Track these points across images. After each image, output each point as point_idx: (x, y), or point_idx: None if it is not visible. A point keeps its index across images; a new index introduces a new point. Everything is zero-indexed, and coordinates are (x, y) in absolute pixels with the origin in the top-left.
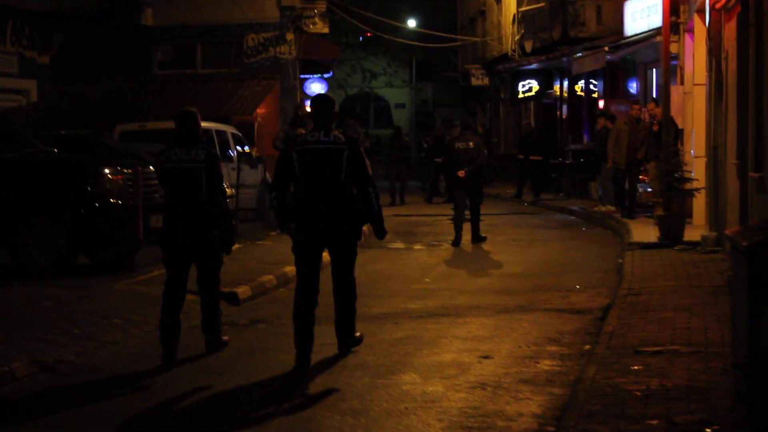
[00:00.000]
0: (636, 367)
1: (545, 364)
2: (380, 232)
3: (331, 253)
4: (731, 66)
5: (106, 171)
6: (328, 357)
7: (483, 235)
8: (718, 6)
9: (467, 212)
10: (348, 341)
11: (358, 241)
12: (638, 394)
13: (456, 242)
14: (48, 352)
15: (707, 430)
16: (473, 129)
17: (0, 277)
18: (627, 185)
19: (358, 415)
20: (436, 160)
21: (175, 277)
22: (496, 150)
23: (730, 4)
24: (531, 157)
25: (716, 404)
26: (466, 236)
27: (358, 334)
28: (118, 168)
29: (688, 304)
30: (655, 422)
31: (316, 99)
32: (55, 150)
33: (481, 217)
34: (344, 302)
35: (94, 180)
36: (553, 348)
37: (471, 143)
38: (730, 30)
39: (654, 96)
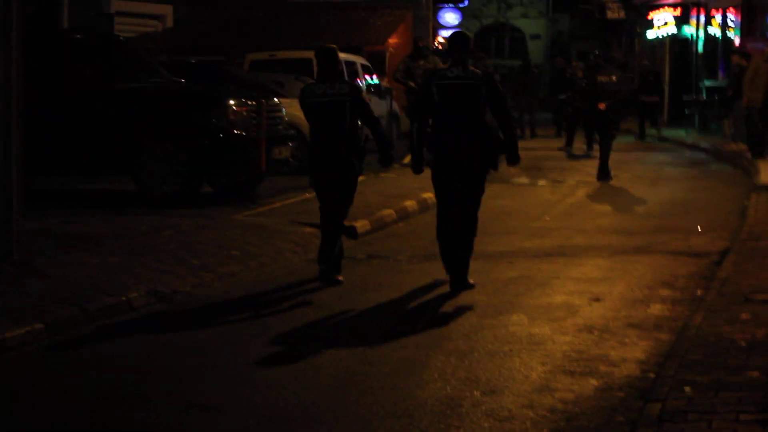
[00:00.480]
0: (744, 316)
1: (655, 309)
2: (513, 158)
3: (462, 184)
4: None
5: (231, 103)
6: (441, 294)
7: (611, 173)
8: None
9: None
10: (461, 282)
11: (494, 171)
12: (742, 344)
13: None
14: (166, 283)
15: None
16: (617, 62)
17: (125, 204)
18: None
19: (463, 356)
20: (560, 97)
21: (327, 203)
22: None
23: None
24: (647, 99)
25: None
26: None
27: (471, 281)
28: (243, 100)
29: None
30: (755, 374)
31: (454, 36)
32: (183, 80)
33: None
34: (465, 237)
35: (219, 111)
36: (666, 292)
37: (614, 77)
38: None
39: None
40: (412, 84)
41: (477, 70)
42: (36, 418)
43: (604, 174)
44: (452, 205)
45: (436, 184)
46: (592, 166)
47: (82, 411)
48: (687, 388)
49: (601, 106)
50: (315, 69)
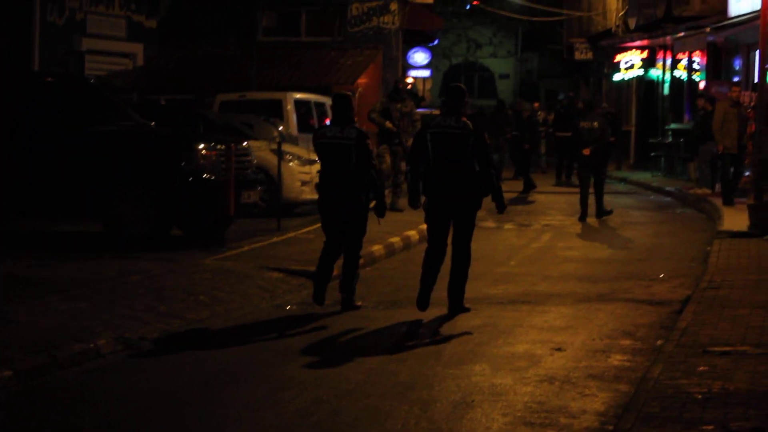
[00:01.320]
0: (702, 368)
1: (616, 359)
2: (500, 207)
3: (454, 223)
4: None
5: (200, 146)
6: (402, 339)
7: (608, 209)
8: None
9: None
10: (457, 305)
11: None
12: (699, 396)
13: (582, 218)
14: (133, 329)
15: None
16: (602, 110)
17: (94, 247)
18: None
19: (426, 406)
20: (507, 136)
21: (331, 238)
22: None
23: None
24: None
25: None
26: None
27: (467, 305)
28: (212, 144)
29: (767, 301)
30: (709, 428)
31: (451, 89)
32: (153, 122)
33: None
34: (460, 267)
35: (189, 155)
36: (627, 342)
37: (596, 123)
38: None
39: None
40: (389, 125)
41: (468, 122)
42: None
43: (601, 212)
44: (442, 242)
45: (429, 223)
46: (558, 210)
47: None
48: None
49: (586, 152)
50: (330, 113)
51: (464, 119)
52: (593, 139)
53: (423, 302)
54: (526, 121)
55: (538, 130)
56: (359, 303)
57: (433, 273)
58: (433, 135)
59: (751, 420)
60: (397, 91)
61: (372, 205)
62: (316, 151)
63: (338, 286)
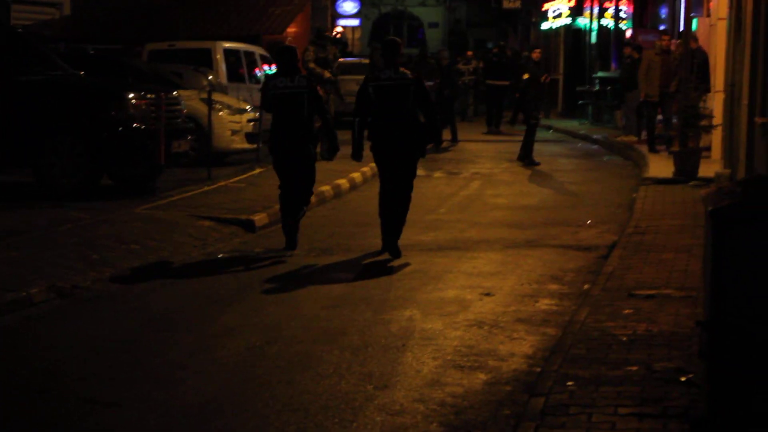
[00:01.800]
0: (627, 311)
1: (543, 303)
2: (438, 141)
3: (397, 169)
4: (748, 5)
5: (130, 96)
6: (336, 289)
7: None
8: None
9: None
10: (394, 248)
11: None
12: (624, 339)
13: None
14: (66, 277)
15: (682, 378)
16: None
17: (25, 198)
18: (660, 117)
19: (357, 351)
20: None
21: (285, 181)
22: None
23: None
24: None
25: (695, 352)
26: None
27: (401, 252)
28: (142, 93)
29: (690, 245)
30: (634, 368)
31: (387, 42)
32: (82, 73)
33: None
34: (400, 211)
35: (118, 104)
36: (554, 286)
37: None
38: None
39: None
40: (327, 74)
41: (407, 72)
42: None
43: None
44: (390, 182)
45: (378, 167)
46: (487, 158)
47: None
48: (570, 383)
49: (517, 95)
50: (276, 64)
51: (402, 69)
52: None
53: (386, 243)
54: (445, 69)
55: (455, 79)
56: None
57: (389, 216)
58: (375, 87)
59: (674, 360)
60: (321, 38)
61: (320, 148)
62: (266, 101)
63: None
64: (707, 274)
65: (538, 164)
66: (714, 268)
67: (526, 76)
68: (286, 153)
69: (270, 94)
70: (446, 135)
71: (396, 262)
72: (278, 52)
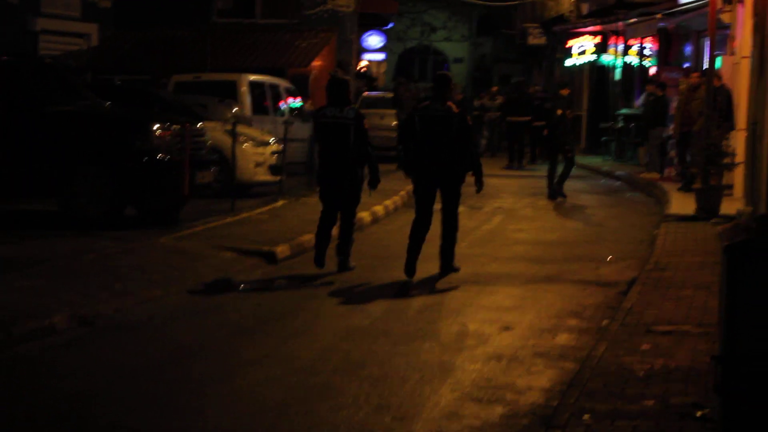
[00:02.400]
0: (645, 347)
1: (562, 338)
2: (479, 183)
3: (442, 195)
4: None
5: (155, 126)
6: (356, 322)
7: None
8: None
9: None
10: (448, 266)
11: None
12: (641, 374)
13: (552, 195)
14: (89, 306)
15: (698, 412)
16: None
17: (49, 227)
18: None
19: (376, 383)
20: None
21: (329, 208)
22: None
23: None
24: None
25: (711, 387)
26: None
27: (456, 265)
28: (167, 124)
29: (710, 282)
30: (650, 403)
31: (438, 77)
32: (108, 102)
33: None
34: (449, 233)
35: (144, 135)
36: (573, 322)
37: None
38: None
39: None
40: None
41: (453, 106)
42: None
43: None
44: (429, 214)
45: (417, 196)
46: (509, 193)
47: None
48: (586, 416)
49: (545, 132)
50: (327, 95)
51: (449, 103)
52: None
53: (410, 269)
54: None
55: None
56: (353, 264)
57: (419, 242)
58: (421, 117)
59: (690, 395)
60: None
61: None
62: (316, 130)
63: (335, 251)
64: (721, 308)
65: (564, 197)
66: (728, 303)
67: (559, 112)
68: (332, 179)
69: (318, 123)
70: None
71: (414, 298)
72: (329, 84)
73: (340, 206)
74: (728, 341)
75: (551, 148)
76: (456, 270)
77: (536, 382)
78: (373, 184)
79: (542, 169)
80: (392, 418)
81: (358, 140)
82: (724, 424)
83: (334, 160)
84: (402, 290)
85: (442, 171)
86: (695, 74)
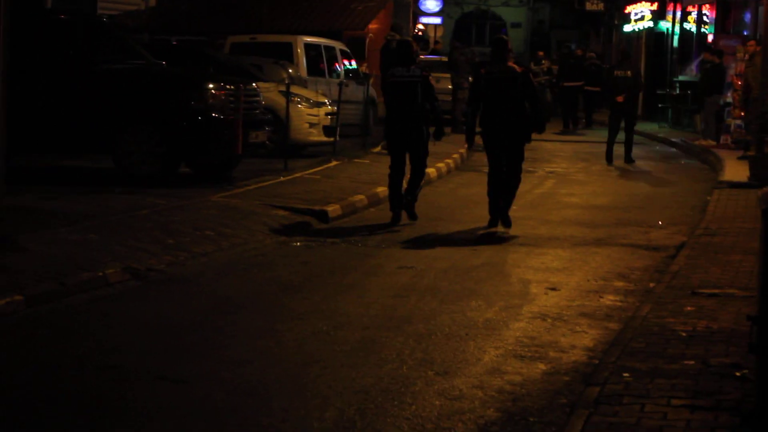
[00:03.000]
0: (689, 308)
1: (608, 299)
2: (540, 128)
3: (508, 152)
4: None
5: (210, 86)
6: (405, 279)
7: (633, 158)
8: None
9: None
10: (505, 218)
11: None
12: (683, 334)
13: (608, 160)
14: (141, 260)
15: (737, 373)
16: (630, 58)
17: (104, 183)
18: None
19: (420, 339)
20: None
21: (397, 161)
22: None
23: None
24: (591, 88)
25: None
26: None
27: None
28: (222, 84)
29: (758, 249)
30: (690, 362)
31: (496, 40)
32: (164, 62)
33: (588, 142)
34: (512, 187)
35: (198, 94)
36: (620, 284)
37: (629, 72)
38: None
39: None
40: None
41: (516, 67)
42: (14, 385)
43: (629, 158)
44: (500, 167)
45: (488, 152)
46: (562, 158)
47: (59, 380)
48: (626, 374)
49: (619, 99)
50: (391, 56)
51: (510, 63)
52: (627, 86)
53: (494, 219)
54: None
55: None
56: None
57: (497, 193)
58: (486, 80)
59: (730, 356)
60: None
61: (432, 130)
62: (386, 89)
63: (404, 193)
64: (760, 269)
65: (633, 161)
66: (765, 263)
67: (629, 74)
68: (401, 135)
69: (388, 81)
70: None
71: (466, 257)
72: (398, 44)
73: (408, 158)
74: (765, 302)
75: (616, 113)
76: (509, 225)
77: (579, 342)
78: (438, 135)
79: (595, 135)
80: (435, 373)
81: (426, 96)
82: (759, 383)
83: (404, 115)
84: (488, 234)
85: (508, 128)
86: (752, 42)
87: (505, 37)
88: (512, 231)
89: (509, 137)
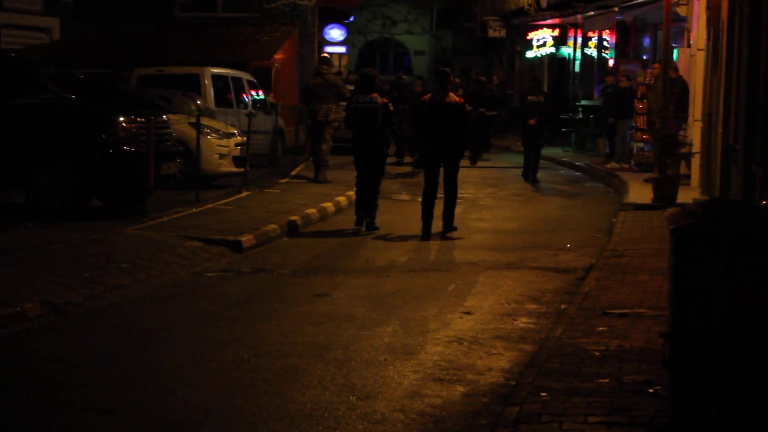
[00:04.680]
0: (600, 328)
1: (522, 322)
2: (476, 153)
3: (445, 169)
4: (724, 38)
5: (121, 119)
6: (321, 306)
7: (538, 179)
8: None
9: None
10: (449, 226)
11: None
12: (597, 353)
13: (525, 174)
14: (59, 294)
15: (650, 390)
16: (541, 86)
17: (16, 218)
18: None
19: (341, 365)
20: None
21: (362, 175)
22: (511, 102)
23: None
24: (488, 113)
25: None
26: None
27: (453, 234)
28: (133, 117)
29: (665, 268)
30: (605, 381)
31: (439, 72)
32: (73, 96)
33: (487, 168)
34: (451, 199)
35: (109, 127)
36: (533, 306)
37: (541, 97)
38: (726, 2)
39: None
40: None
41: (457, 97)
42: None
43: (534, 178)
44: (436, 184)
45: (426, 170)
46: (470, 183)
47: None
48: (543, 394)
49: (531, 121)
50: (359, 85)
51: (451, 94)
52: (539, 111)
53: (426, 234)
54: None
55: None
56: (377, 226)
57: (431, 209)
58: (430, 107)
59: (643, 374)
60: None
61: (393, 150)
62: (351, 114)
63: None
64: (670, 287)
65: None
66: (675, 282)
67: (539, 99)
68: (365, 153)
69: (352, 107)
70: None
71: (380, 283)
72: (361, 76)
73: (371, 172)
74: (675, 319)
75: (529, 135)
76: (455, 229)
77: (496, 363)
78: (399, 154)
79: (502, 160)
80: (357, 398)
81: (386, 120)
82: (673, 398)
83: (366, 137)
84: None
85: (446, 148)
86: (656, 65)
87: (447, 69)
88: (424, 257)
89: (446, 156)
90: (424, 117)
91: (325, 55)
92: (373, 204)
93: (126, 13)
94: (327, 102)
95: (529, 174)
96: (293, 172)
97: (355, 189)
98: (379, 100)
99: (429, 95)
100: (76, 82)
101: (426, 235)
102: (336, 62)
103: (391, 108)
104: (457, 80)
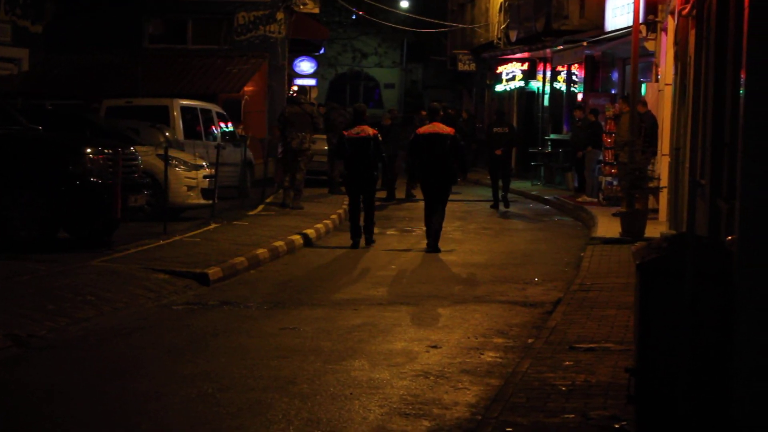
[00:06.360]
0: (567, 363)
1: (489, 356)
2: (464, 177)
3: (438, 192)
4: (691, 73)
5: (88, 150)
6: (286, 341)
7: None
8: (684, 13)
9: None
10: (435, 247)
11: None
12: (563, 388)
13: (494, 206)
14: (22, 326)
15: (616, 425)
16: (505, 116)
17: None
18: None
19: (306, 399)
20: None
21: (353, 200)
22: (480, 135)
23: (694, 12)
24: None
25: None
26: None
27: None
28: (100, 148)
29: (632, 303)
30: (571, 416)
31: (430, 108)
32: (40, 127)
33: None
34: (439, 218)
35: (76, 159)
36: (500, 340)
37: (506, 128)
38: (693, 37)
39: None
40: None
41: (447, 129)
42: None
43: (507, 204)
44: (433, 202)
45: (425, 192)
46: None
47: None
48: (509, 429)
49: (498, 152)
50: (352, 118)
51: (442, 125)
52: (504, 142)
53: (433, 245)
54: (385, 129)
55: (400, 140)
56: (375, 240)
57: (431, 218)
58: (425, 137)
59: (609, 409)
60: (293, 99)
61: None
62: (344, 144)
63: (363, 230)
64: (636, 323)
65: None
66: (641, 317)
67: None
68: (357, 178)
69: (345, 138)
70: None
71: (344, 317)
72: (354, 109)
73: (362, 199)
74: (641, 354)
75: (494, 165)
76: (438, 251)
77: (462, 398)
78: (386, 184)
79: (470, 193)
80: None
81: (375, 150)
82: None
83: (359, 164)
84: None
85: (440, 175)
86: (621, 100)
87: (437, 104)
88: (392, 290)
89: (440, 181)
90: (421, 148)
91: (295, 87)
92: (370, 222)
93: (95, 45)
94: (302, 130)
95: (500, 203)
96: (261, 206)
97: (348, 216)
98: (370, 131)
99: (425, 128)
100: (44, 113)
101: (430, 244)
102: (306, 94)
103: (380, 138)
104: (452, 111)
